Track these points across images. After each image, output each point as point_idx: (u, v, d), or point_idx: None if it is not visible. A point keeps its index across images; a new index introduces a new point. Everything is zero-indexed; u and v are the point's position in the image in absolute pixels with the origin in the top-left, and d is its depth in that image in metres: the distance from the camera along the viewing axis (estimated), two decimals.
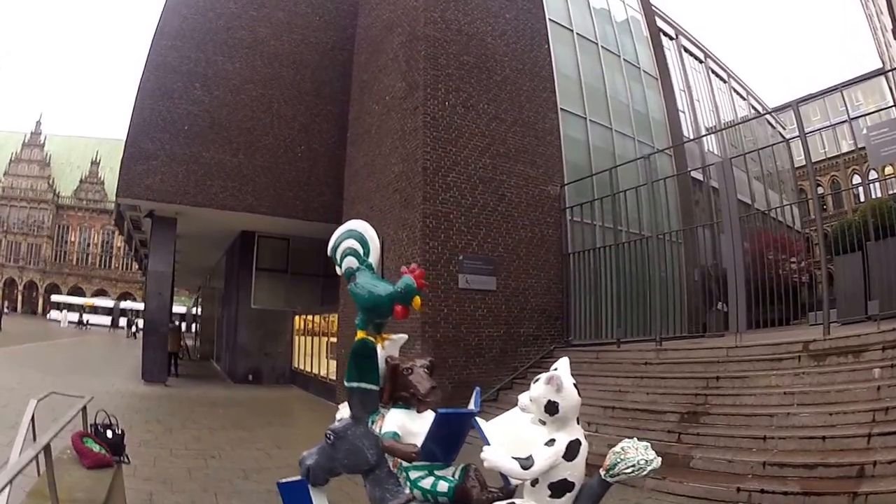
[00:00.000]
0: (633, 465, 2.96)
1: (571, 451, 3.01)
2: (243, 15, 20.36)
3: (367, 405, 3.54)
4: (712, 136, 22.46)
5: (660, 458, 3.05)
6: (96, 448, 4.88)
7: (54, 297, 76.08)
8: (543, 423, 3.12)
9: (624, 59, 18.76)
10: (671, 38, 22.31)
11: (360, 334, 3.98)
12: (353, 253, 4.35)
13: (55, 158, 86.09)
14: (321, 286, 21.87)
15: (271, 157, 19.53)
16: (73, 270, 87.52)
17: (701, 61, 24.65)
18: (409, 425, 3.61)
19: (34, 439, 4.24)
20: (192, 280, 43.53)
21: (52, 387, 5.86)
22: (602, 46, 18.01)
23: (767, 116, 27.59)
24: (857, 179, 29.75)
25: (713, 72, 25.47)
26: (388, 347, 4.12)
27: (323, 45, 20.74)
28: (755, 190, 18.81)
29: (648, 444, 3.06)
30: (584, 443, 3.09)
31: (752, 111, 28.20)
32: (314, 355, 19.26)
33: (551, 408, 3.02)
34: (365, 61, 17.45)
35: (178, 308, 58.53)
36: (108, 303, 73.27)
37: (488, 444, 3.17)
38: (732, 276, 11.82)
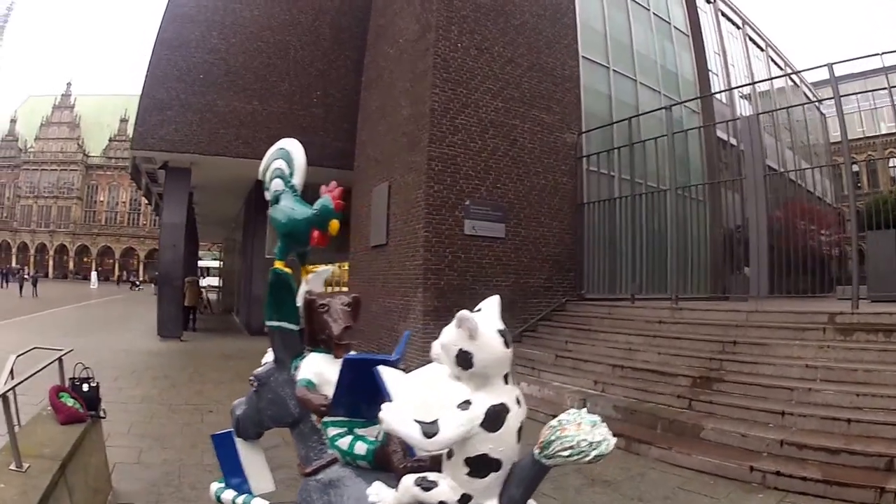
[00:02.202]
0: (572, 448, 2.20)
1: (493, 418, 2.29)
2: None
3: (290, 347, 3.29)
4: (745, 101, 21.54)
5: (612, 441, 2.21)
6: (71, 402, 4.81)
7: None
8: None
9: (654, 14, 17.98)
10: (708, 2, 21.49)
11: (278, 265, 3.66)
12: (280, 174, 3.99)
13: (85, 119, 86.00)
14: (339, 235, 21.38)
15: (287, 104, 19.22)
16: (102, 230, 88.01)
17: (738, 27, 23.79)
18: (326, 373, 3.07)
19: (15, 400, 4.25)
20: (218, 233, 43.43)
21: (69, 346, 5.67)
22: None
23: (805, 89, 26.69)
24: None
25: (750, 39, 24.60)
26: (312, 281, 3.72)
27: None
28: (787, 159, 18.05)
29: (598, 420, 2.26)
30: (517, 409, 2.36)
31: (790, 83, 27.26)
32: None
33: (463, 360, 2.31)
34: (382, 5, 17.05)
35: (209, 263, 59.25)
36: None
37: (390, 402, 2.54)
38: (755, 237, 11.17)
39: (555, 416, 2.18)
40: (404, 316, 12.41)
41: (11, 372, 4.49)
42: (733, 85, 20.40)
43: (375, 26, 17.38)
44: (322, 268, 3.96)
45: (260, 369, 3.35)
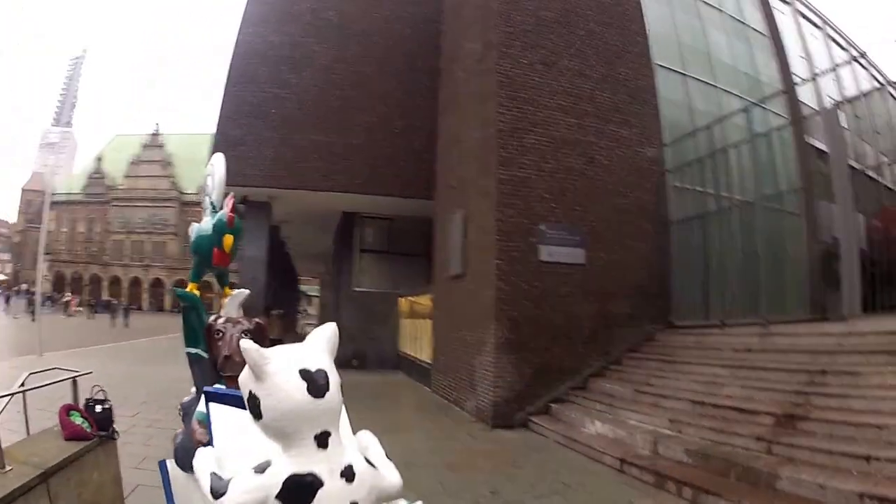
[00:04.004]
0: None
1: (294, 493, 1.83)
2: None
3: (205, 375, 2.97)
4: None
5: None
6: (79, 421, 4.72)
7: None
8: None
9: (728, 15, 16.85)
10: (786, 3, 20.24)
11: (189, 287, 3.32)
12: (207, 192, 3.86)
13: (176, 157, 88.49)
14: (425, 266, 21.05)
15: (365, 136, 19.07)
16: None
17: (819, 28, 22.44)
18: None
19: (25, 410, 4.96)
20: (315, 267, 43.74)
21: (135, 375, 5.71)
22: (702, 0, 16.15)
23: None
24: None
25: (833, 40, 23.18)
26: (227, 305, 3.57)
27: (413, 18, 20.10)
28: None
29: None
30: (338, 485, 1.89)
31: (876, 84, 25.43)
32: (419, 338, 18.28)
33: (252, 406, 1.88)
34: (449, 29, 16.79)
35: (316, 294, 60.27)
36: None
37: (210, 442, 2.26)
38: (845, 248, 10.02)
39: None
40: (479, 349, 11.73)
41: (23, 385, 4.86)
42: (821, 90, 19.08)
43: (446, 51, 17.08)
44: (237, 291, 3.78)
45: (186, 398, 3.25)
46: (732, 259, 11.73)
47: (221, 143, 18.60)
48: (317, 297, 55.95)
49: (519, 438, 9.83)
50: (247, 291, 3.94)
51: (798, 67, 17.80)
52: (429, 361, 15.94)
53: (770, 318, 10.20)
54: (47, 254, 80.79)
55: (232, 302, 3.71)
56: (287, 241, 29.71)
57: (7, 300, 51.97)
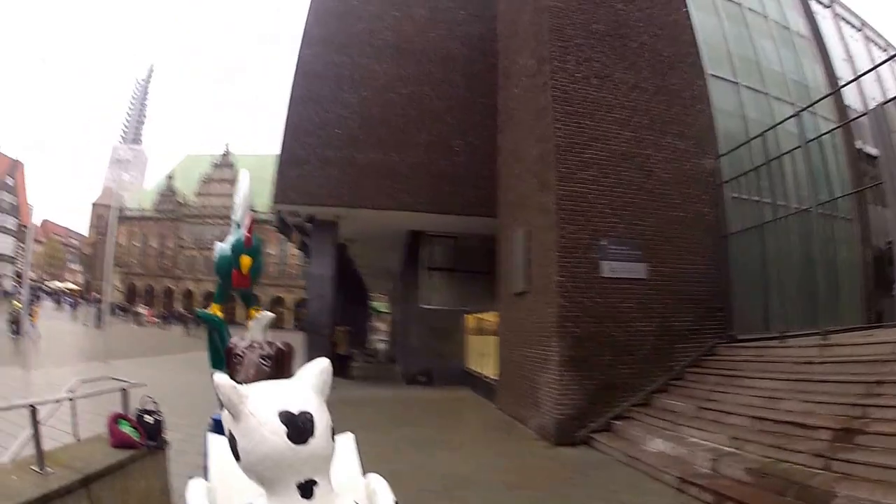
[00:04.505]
0: None
1: None
2: (385, 16, 20.61)
3: None
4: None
5: None
6: (127, 430, 4.95)
7: None
8: None
9: (773, 21, 16.41)
10: (825, 6, 19.61)
11: (213, 309, 3.29)
12: (233, 211, 3.88)
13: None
14: (490, 283, 21.08)
15: (426, 154, 19.34)
16: (274, 281, 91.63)
17: (858, 29, 21.69)
18: None
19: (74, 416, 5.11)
20: (386, 284, 44.13)
21: (200, 385, 6.04)
22: (747, 7, 15.75)
23: None
24: None
25: (872, 41, 22.37)
26: (252, 328, 3.48)
27: (469, 37, 20.31)
28: None
29: None
30: None
31: None
32: (485, 355, 18.22)
33: (231, 446, 1.73)
34: (504, 46, 16.79)
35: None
36: None
37: (204, 474, 2.12)
38: None
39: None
40: (542, 366, 11.65)
41: (71, 391, 5.10)
42: (865, 92, 18.39)
43: (502, 67, 17.05)
44: (262, 314, 3.71)
45: (216, 414, 3.08)
46: (790, 268, 11.47)
47: (286, 162, 19.34)
48: (388, 313, 56.39)
49: (580, 456, 9.76)
50: (271, 314, 3.88)
51: (841, 71, 17.28)
52: (494, 378, 15.88)
53: (827, 327, 9.84)
54: (119, 266, 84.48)
55: (256, 325, 3.66)
56: (356, 259, 30.14)
57: (74, 308, 54.64)
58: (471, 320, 20.76)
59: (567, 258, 11.41)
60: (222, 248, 3.53)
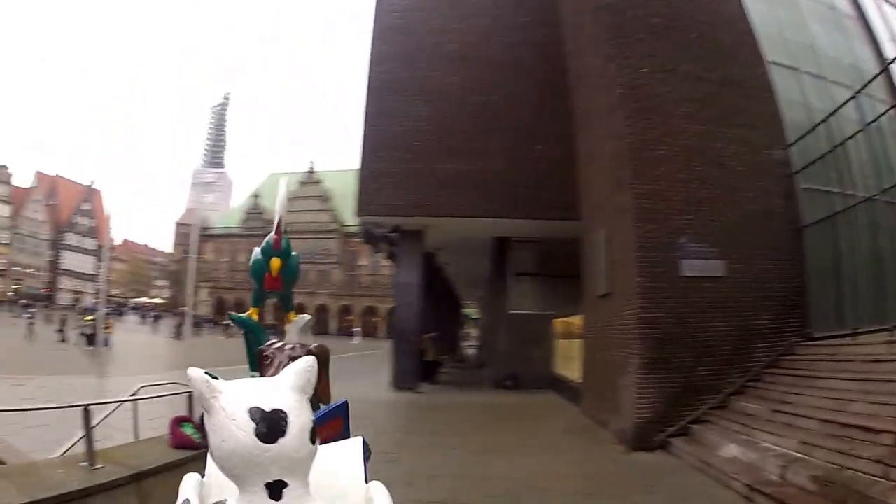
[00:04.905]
0: None
1: None
2: (449, 28, 20.63)
3: None
4: None
5: None
6: (189, 431, 5.10)
7: None
8: None
9: (821, 3, 15.74)
10: None
11: (250, 312, 3.44)
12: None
13: (335, 192, 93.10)
14: (577, 287, 20.96)
15: (504, 161, 19.24)
16: (366, 292, 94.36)
17: None
18: None
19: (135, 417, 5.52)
20: (477, 291, 44.08)
21: None
22: None
23: None
24: None
25: None
26: (289, 331, 3.48)
27: (534, 42, 20.04)
28: None
29: None
30: None
31: None
32: (571, 359, 18.03)
33: (206, 441, 1.67)
34: (571, 48, 16.70)
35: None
36: None
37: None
38: None
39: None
40: (623, 369, 11.39)
41: (135, 395, 5.37)
42: None
43: (571, 69, 16.92)
44: (299, 317, 3.69)
45: None
46: (861, 259, 10.92)
47: (367, 176, 19.70)
48: (478, 319, 56.40)
49: (656, 462, 9.52)
50: (308, 317, 3.88)
51: (890, 52, 16.39)
52: (579, 382, 15.72)
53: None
54: (207, 281, 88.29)
55: (293, 328, 3.65)
56: (446, 267, 30.36)
57: (155, 321, 56.72)
58: (558, 324, 20.57)
59: (646, 258, 11.19)
60: (256, 252, 3.59)
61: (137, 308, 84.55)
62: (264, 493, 1.63)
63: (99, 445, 4.86)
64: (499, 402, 17.77)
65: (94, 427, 5.55)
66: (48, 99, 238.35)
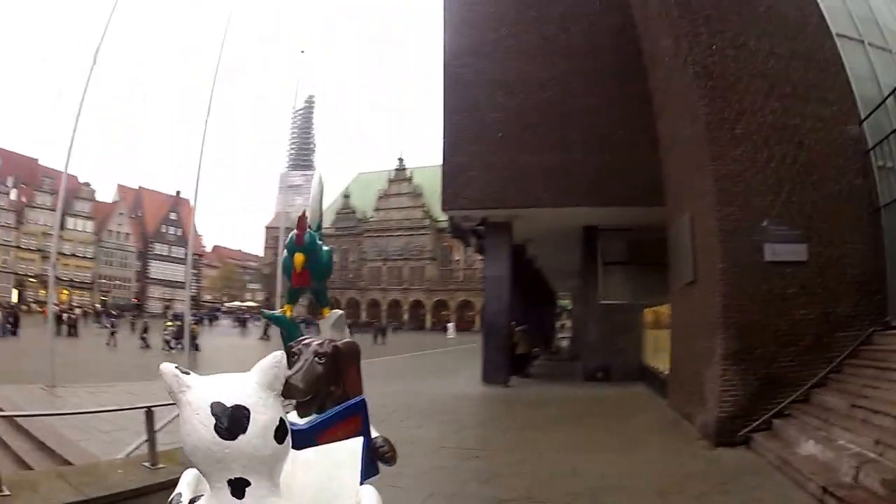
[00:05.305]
0: None
1: None
2: (522, 18, 20.39)
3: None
4: None
5: None
6: None
7: None
8: None
9: None
10: None
11: (285, 309, 3.37)
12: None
13: (426, 188, 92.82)
14: (665, 275, 20.47)
15: (588, 149, 18.88)
16: (461, 286, 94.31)
17: None
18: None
19: None
20: (568, 283, 43.28)
21: (389, 390, 6.44)
22: None
23: None
24: None
25: None
26: (322, 326, 3.41)
27: (609, 27, 19.51)
28: None
29: None
30: None
31: None
32: (660, 350, 17.46)
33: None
34: (643, 30, 16.29)
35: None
36: None
37: None
38: None
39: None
40: (708, 360, 10.97)
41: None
42: None
43: (646, 52, 16.48)
44: (332, 312, 3.59)
45: None
46: None
47: (451, 171, 19.98)
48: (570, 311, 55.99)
49: (737, 459, 9.13)
50: (341, 312, 3.75)
51: None
52: (667, 373, 15.33)
53: None
54: None
55: (325, 323, 3.57)
56: (537, 259, 30.23)
57: (243, 324, 60.98)
58: (648, 314, 19.99)
59: (728, 243, 10.76)
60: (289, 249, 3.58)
61: (231, 312, 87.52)
62: (227, 490, 1.62)
63: (170, 447, 4.99)
64: (587, 395, 17.50)
65: (159, 430, 5.70)
66: (127, 110, 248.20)
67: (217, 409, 1.57)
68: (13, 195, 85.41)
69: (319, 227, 3.99)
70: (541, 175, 18.85)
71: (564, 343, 40.70)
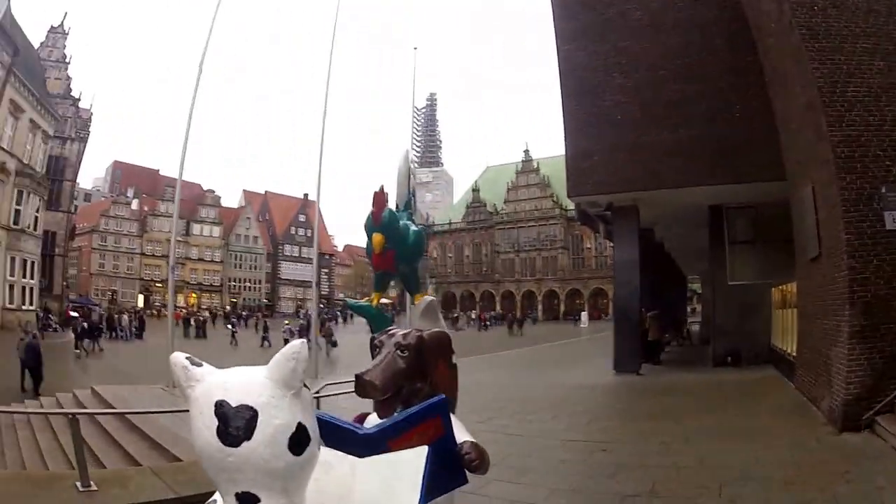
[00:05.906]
0: None
1: None
2: None
3: None
4: None
5: None
6: None
7: None
8: None
9: None
10: None
11: (372, 297, 3.22)
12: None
13: (553, 178, 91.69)
14: (792, 252, 19.49)
15: (707, 125, 18.25)
16: (594, 274, 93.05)
17: None
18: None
19: None
20: (698, 266, 42.60)
21: (502, 381, 6.61)
22: None
23: None
24: None
25: None
26: (412, 314, 3.20)
27: None
28: None
29: None
30: None
31: None
32: (787, 330, 16.79)
33: None
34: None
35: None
36: None
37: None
38: None
39: None
40: (834, 339, 10.33)
41: (318, 393, 5.82)
42: None
43: (752, 20, 15.82)
44: (423, 298, 3.23)
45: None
46: None
47: (574, 156, 20.12)
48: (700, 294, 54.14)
49: (861, 444, 8.55)
50: (432, 298, 3.42)
51: None
52: (794, 355, 14.59)
53: None
54: (432, 277, 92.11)
55: (415, 311, 3.32)
56: (666, 242, 29.72)
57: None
58: (776, 293, 19.24)
59: (851, 212, 10.03)
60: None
61: None
62: (233, 502, 1.40)
63: None
64: (716, 380, 16.85)
65: None
66: (248, 118, 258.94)
67: (220, 411, 1.36)
68: (135, 205, 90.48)
69: (409, 206, 3.79)
70: (662, 155, 18.46)
71: (695, 328, 39.46)
